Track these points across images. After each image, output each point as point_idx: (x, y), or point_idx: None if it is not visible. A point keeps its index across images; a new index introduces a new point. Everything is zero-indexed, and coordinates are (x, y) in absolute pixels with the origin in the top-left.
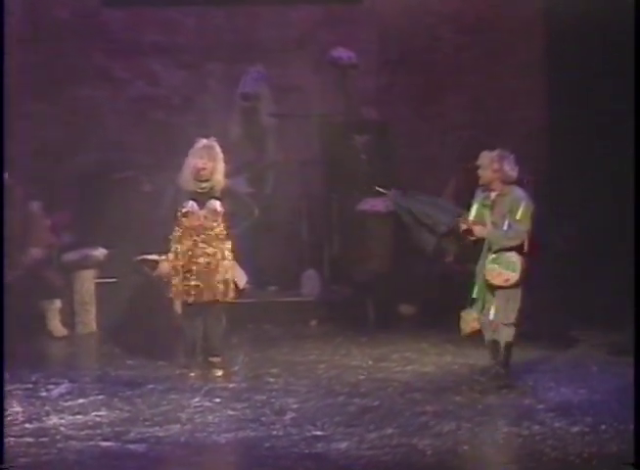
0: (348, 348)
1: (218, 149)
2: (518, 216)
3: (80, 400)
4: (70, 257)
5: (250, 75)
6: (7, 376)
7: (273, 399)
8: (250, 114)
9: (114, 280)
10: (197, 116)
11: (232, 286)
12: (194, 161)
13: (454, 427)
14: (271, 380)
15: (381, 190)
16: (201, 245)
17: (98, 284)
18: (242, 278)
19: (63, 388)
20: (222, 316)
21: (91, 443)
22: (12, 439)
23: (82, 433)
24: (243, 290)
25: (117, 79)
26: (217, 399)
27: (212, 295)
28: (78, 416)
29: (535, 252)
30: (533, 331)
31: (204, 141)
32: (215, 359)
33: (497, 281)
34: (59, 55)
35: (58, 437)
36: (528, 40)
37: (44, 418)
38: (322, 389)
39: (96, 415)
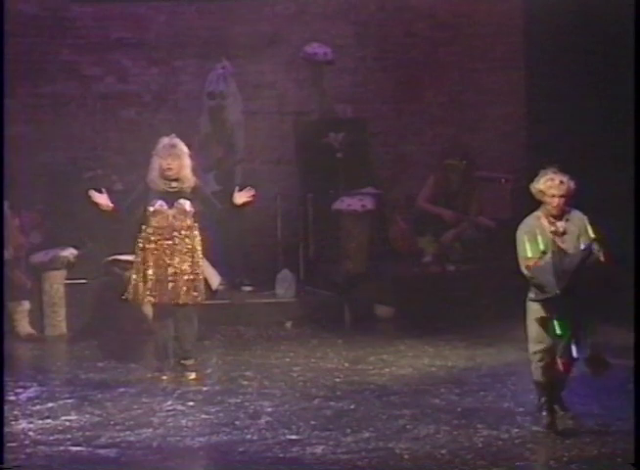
0: (324, 350)
1: (182, 146)
2: (592, 235)
3: (50, 404)
4: (39, 257)
5: (214, 72)
6: None
7: (247, 403)
8: (216, 112)
9: (84, 281)
10: (168, 113)
11: (203, 287)
12: (158, 161)
13: (432, 430)
14: (245, 383)
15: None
16: (170, 244)
17: (67, 285)
18: (215, 279)
19: (31, 391)
20: (194, 318)
21: (61, 448)
22: None
23: (52, 438)
24: (216, 291)
25: (87, 76)
26: (190, 403)
27: (184, 296)
28: (47, 420)
29: (611, 261)
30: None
31: (165, 140)
32: (188, 362)
33: None
34: (26, 50)
35: (26, 442)
36: (507, 36)
37: (12, 423)
38: (297, 392)
39: (66, 419)
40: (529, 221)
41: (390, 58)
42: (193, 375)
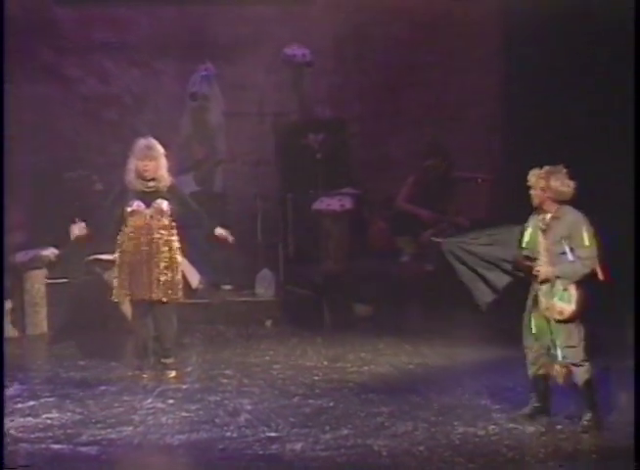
0: (304, 348)
1: (158, 147)
2: (586, 243)
3: (31, 403)
4: (21, 257)
5: (198, 74)
6: None
7: (227, 401)
8: (198, 113)
9: (65, 280)
10: (149, 115)
11: (181, 285)
12: (135, 162)
13: (410, 427)
14: (225, 381)
15: (435, 239)
16: (148, 243)
17: (49, 284)
18: (194, 277)
19: (12, 390)
20: (173, 316)
21: (42, 445)
22: None
23: (33, 435)
24: (195, 290)
25: (69, 77)
26: (170, 401)
27: (162, 294)
28: (29, 418)
29: (609, 277)
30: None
31: (141, 141)
32: (168, 360)
33: (551, 314)
34: (8, 52)
35: (8, 440)
36: (484, 37)
37: None
38: (277, 390)
39: (47, 417)
40: (531, 216)
41: (370, 59)
42: (173, 373)
